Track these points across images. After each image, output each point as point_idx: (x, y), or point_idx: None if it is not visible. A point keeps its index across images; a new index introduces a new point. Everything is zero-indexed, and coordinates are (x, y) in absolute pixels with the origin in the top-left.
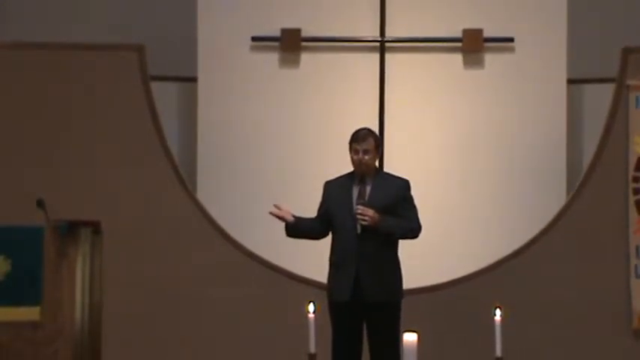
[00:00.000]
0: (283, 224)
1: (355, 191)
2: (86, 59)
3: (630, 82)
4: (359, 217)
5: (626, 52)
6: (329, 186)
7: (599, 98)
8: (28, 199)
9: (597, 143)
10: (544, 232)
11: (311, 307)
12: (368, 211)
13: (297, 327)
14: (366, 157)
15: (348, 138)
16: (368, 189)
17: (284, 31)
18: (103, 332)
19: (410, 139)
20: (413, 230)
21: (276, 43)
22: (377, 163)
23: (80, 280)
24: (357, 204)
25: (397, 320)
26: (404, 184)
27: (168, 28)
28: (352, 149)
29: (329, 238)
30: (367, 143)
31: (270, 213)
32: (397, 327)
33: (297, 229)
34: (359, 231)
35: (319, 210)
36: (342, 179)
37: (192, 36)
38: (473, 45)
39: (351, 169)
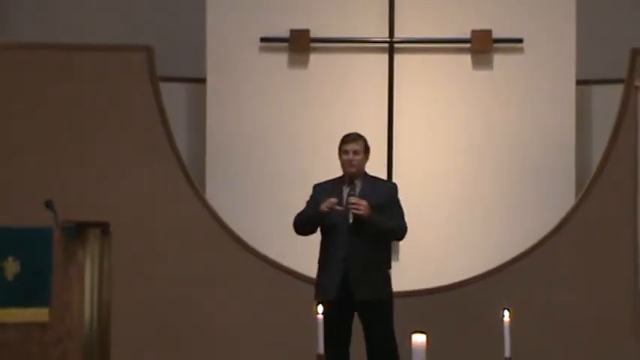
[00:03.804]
0: (290, 223)
1: (345, 192)
2: (95, 60)
3: (639, 82)
4: (352, 206)
5: (635, 52)
6: (318, 188)
7: (608, 99)
8: (37, 200)
9: (606, 144)
10: (552, 233)
11: (319, 308)
12: (361, 201)
13: (305, 327)
14: (356, 158)
15: None
16: (357, 190)
17: (293, 32)
18: (112, 333)
19: (419, 140)
20: (400, 228)
21: (285, 44)
22: (365, 168)
23: (89, 280)
24: (349, 195)
25: (389, 318)
26: (392, 187)
27: (177, 29)
28: (342, 151)
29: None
30: (357, 144)
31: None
32: (390, 325)
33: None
34: (351, 221)
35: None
36: (331, 182)
37: (201, 37)
38: (482, 46)
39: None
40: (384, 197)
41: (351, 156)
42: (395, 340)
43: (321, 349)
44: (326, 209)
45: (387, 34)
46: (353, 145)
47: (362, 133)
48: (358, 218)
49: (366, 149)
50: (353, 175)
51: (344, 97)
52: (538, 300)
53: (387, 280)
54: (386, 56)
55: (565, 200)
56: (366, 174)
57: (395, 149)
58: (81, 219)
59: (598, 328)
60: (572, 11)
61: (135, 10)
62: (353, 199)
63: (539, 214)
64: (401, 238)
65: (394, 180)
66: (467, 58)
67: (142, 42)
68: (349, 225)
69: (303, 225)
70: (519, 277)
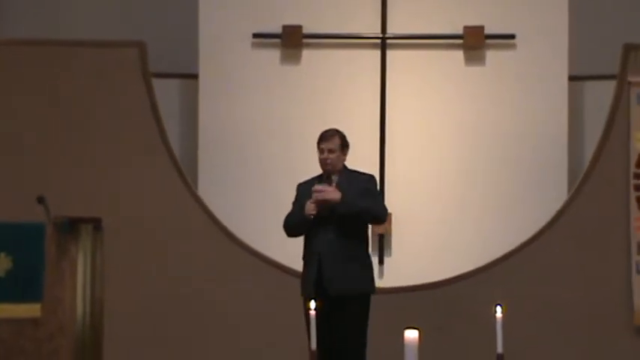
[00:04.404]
0: (282, 219)
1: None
2: (87, 56)
3: (631, 78)
4: (318, 195)
5: (627, 48)
6: (301, 187)
7: (601, 95)
8: (29, 195)
9: (598, 140)
10: (545, 229)
11: (312, 304)
12: (326, 187)
13: (298, 324)
14: (331, 156)
15: (350, 135)
16: (333, 185)
17: (285, 27)
18: (105, 329)
19: (411, 136)
20: (376, 207)
21: (277, 40)
22: (344, 163)
23: (81, 276)
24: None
25: (358, 317)
26: (369, 178)
27: (169, 24)
28: (318, 149)
29: None
30: (332, 142)
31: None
32: (359, 322)
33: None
34: (313, 214)
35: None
36: (312, 180)
37: (194, 33)
38: (474, 42)
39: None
40: (360, 189)
41: (325, 154)
42: (361, 339)
43: (313, 346)
44: (311, 215)
45: (379, 30)
46: (327, 143)
47: (354, 129)
48: (325, 209)
49: (343, 146)
50: (330, 172)
51: (336, 93)
52: (531, 296)
53: (364, 274)
54: (378, 52)
55: (558, 196)
56: (345, 168)
57: (387, 145)
58: (73, 214)
59: (591, 324)
60: (565, 7)
61: (127, 6)
62: (317, 187)
63: (531, 209)
64: (381, 220)
65: (387, 176)
66: (459, 54)
67: (134, 37)
68: (313, 219)
69: (292, 228)
70: (512, 274)
